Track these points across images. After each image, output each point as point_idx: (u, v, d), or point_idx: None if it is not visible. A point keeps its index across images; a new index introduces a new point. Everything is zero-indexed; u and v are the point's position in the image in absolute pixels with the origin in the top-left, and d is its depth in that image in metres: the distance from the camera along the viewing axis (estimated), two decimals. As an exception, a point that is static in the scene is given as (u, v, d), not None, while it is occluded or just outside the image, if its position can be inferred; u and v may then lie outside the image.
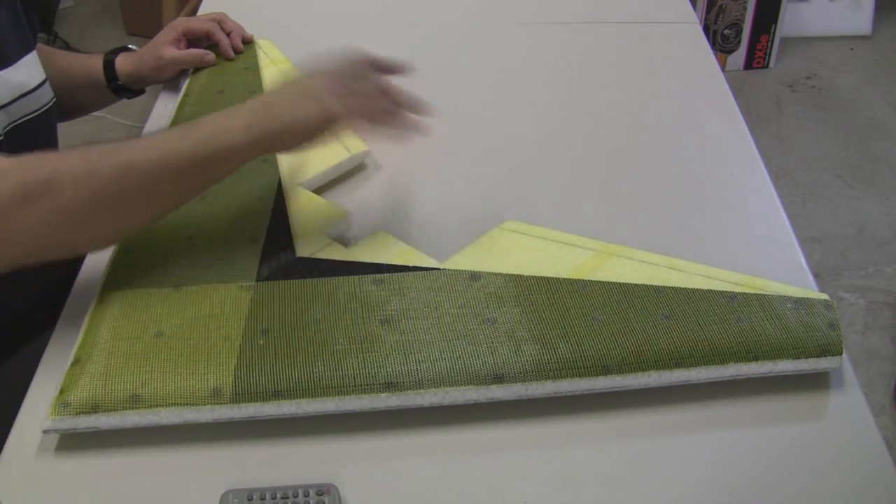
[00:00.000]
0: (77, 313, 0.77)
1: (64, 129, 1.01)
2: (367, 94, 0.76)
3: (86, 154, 0.68)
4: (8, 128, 0.86)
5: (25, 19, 0.91)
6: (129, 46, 1.09)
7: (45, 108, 0.91)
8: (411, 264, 0.77)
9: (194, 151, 0.70)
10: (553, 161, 0.96)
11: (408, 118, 0.78)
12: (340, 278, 0.75)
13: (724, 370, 0.68)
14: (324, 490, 0.61)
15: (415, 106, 0.79)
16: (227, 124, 0.71)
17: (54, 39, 2.68)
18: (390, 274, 0.76)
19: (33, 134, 0.90)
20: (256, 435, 0.67)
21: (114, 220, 0.70)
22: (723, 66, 2.59)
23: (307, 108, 0.72)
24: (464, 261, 0.77)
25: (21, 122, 0.88)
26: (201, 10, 1.29)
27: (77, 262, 0.97)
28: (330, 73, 0.75)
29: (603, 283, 0.74)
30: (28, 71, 0.88)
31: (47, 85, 0.92)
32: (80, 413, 0.65)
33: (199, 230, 0.81)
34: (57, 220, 0.66)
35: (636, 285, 0.74)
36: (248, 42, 1.15)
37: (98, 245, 0.74)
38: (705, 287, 0.74)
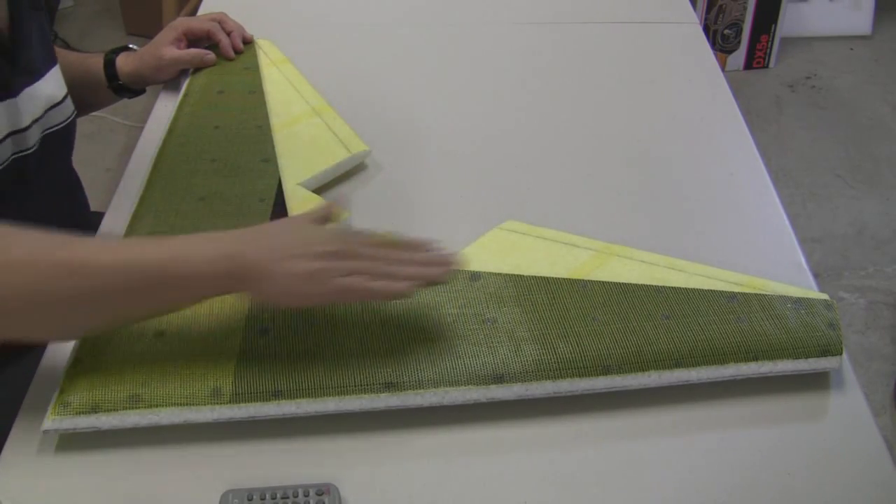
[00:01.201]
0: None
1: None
2: (354, 270, 0.65)
3: (40, 240, 0.62)
4: (38, 140, 0.87)
5: (48, 34, 0.91)
6: (130, 46, 1.09)
7: (69, 120, 0.92)
8: (411, 264, 0.77)
9: (147, 271, 0.62)
10: (553, 161, 0.96)
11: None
12: (340, 278, 0.75)
13: (724, 370, 0.68)
14: (324, 490, 0.61)
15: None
16: (193, 252, 0.63)
17: (54, 39, 2.68)
18: (390, 274, 0.75)
19: (58, 144, 0.90)
20: (256, 435, 0.67)
21: (46, 317, 0.62)
22: (723, 66, 2.59)
23: (291, 267, 0.63)
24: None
25: (47, 134, 0.88)
26: (201, 10, 1.29)
27: None
28: (327, 237, 0.66)
29: (603, 283, 0.74)
30: (55, 83, 0.89)
31: (68, 100, 0.92)
32: (80, 413, 0.65)
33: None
34: None
35: (636, 285, 0.74)
36: (248, 42, 1.15)
37: (22, 338, 0.63)
38: (705, 287, 0.74)
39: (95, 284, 0.61)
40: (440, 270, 0.67)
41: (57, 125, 0.90)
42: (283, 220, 0.69)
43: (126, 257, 0.62)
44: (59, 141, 0.91)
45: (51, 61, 0.89)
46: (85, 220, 1.01)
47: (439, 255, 0.69)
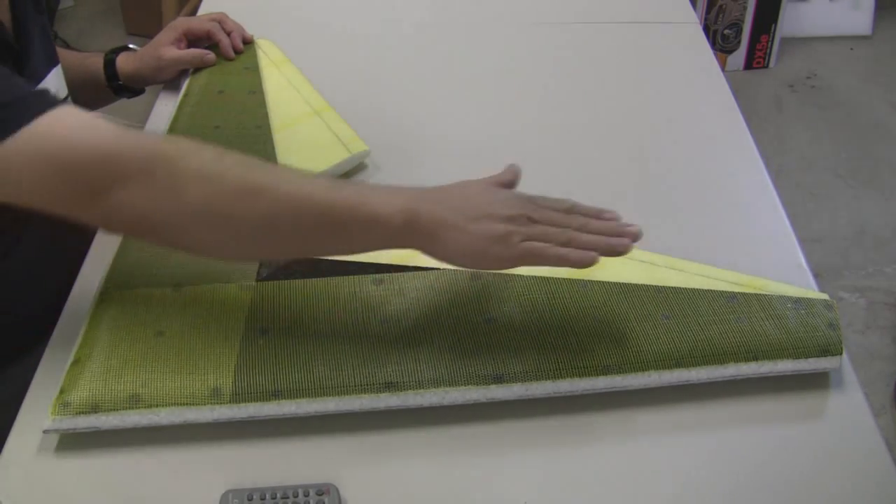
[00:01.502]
0: (77, 313, 0.77)
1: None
2: (535, 236, 0.65)
3: (222, 156, 0.64)
4: None
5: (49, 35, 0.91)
6: (130, 46, 1.09)
7: None
8: (411, 264, 0.77)
9: (334, 208, 0.62)
10: (553, 161, 0.96)
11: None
12: (340, 278, 0.75)
13: (723, 370, 0.68)
14: (324, 490, 0.61)
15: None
16: (382, 200, 0.63)
17: (54, 39, 2.68)
18: (390, 274, 0.76)
19: None
20: (256, 435, 0.67)
21: (215, 233, 0.64)
22: (723, 66, 2.59)
23: (474, 229, 0.63)
24: (464, 261, 0.77)
25: None
26: (201, 10, 1.29)
27: (78, 267, 0.97)
28: (513, 202, 0.66)
29: (603, 283, 0.74)
30: (57, 84, 0.89)
31: (69, 101, 0.92)
32: (80, 413, 0.65)
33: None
34: (163, 208, 0.62)
35: (636, 285, 0.74)
36: (248, 42, 1.15)
37: (190, 250, 0.66)
38: (705, 287, 0.74)
39: (274, 212, 0.62)
40: (623, 241, 0.65)
41: None
42: (465, 182, 0.68)
43: (311, 191, 0.62)
44: None
45: (52, 62, 0.89)
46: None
47: (621, 225, 0.67)
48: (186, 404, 0.66)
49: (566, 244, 0.64)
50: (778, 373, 0.69)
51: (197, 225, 0.63)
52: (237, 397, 0.66)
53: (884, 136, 2.32)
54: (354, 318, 0.71)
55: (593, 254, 0.64)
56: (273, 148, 0.93)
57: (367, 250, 0.67)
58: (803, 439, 0.67)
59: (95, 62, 1.06)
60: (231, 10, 1.16)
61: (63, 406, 0.65)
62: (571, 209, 0.68)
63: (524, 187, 0.91)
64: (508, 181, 0.70)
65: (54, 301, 0.93)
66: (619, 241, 0.65)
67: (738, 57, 2.59)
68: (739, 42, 2.56)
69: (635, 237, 0.65)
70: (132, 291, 0.74)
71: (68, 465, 0.65)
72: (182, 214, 0.62)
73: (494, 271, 0.75)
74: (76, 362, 0.69)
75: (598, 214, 0.68)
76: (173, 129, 0.97)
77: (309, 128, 0.97)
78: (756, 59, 2.60)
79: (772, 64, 2.61)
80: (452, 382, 0.67)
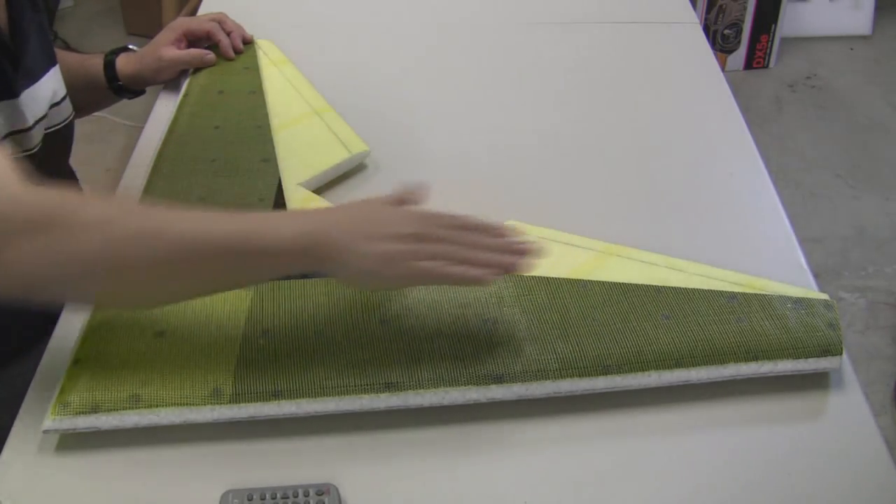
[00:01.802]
0: (77, 313, 0.77)
1: (64, 129, 1.01)
2: (435, 255, 0.64)
3: (113, 205, 0.63)
4: (41, 140, 0.87)
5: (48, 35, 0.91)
6: (130, 47, 1.09)
7: (68, 120, 0.92)
8: (411, 264, 0.77)
9: (229, 239, 0.61)
10: (553, 161, 0.96)
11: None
12: (340, 278, 0.75)
13: (723, 370, 0.68)
14: (324, 490, 0.61)
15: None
16: (274, 227, 0.62)
17: (54, 39, 2.67)
18: (390, 274, 0.75)
19: (57, 144, 0.90)
20: (256, 435, 0.67)
21: (115, 282, 0.62)
22: (723, 66, 2.59)
23: (372, 249, 0.62)
24: (464, 261, 0.77)
25: (48, 134, 0.88)
26: (201, 11, 1.29)
27: None
28: (412, 219, 0.65)
29: (603, 283, 0.74)
30: (55, 83, 0.89)
31: (67, 101, 0.92)
32: (80, 413, 0.65)
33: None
34: (59, 261, 0.59)
35: (636, 285, 0.74)
36: (248, 42, 1.15)
37: (85, 302, 0.66)
38: (705, 287, 0.74)
39: (172, 252, 0.60)
40: (519, 260, 0.65)
41: (57, 125, 0.90)
42: (364, 202, 0.68)
43: (207, 228, 0.61)
44: (60, 140, 0.91)
45: (50, 62, 0.89)
46: None
47: (518, 243, 0.66)
48: (186, 404, 0.66)
49: (462, 262, 0.63)
50: (778, 373, 0.69)
51: (95, 275, 0.61)
52: (237, 397, 0.66)
53: (884, 136, 2.32)
54: (354, 318, 0.71)
55: (484, 272, 0.63)
56: (273, 148, 0.93)
57: (270, 278, 0.67)
58: (803, 439, 0.67)
59: (95, 63, 1.06)
60: (231, 10, 1.16)
61: (63, 406, 0.65)
62: (468, 226, 0.67)
63: (524, 187, 0.92)
64: (402, 199, 0.68)
65: (56, 307, 0.93)
66: (513, 259, 0.65)
67: (738, 57, 2.59)
68: (739, 42, 2.56)
69: (533, 255, 0.65)
70: (132, 291, 0.74)
71: (68, 465, 0.65)
72: (79, 265, 0.60)
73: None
74: (76, 362, 0.69)
75: (497, 231, 0.67)
76: (173, 129, 0.97)
77: (309, 128, 0.97)
78: (756, 59, 2.60)
79: (772, 64, 2.61)
80: (452, 382, 0.67)
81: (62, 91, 0.90)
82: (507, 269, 0.65)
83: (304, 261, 0.63)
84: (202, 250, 0.61)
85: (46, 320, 0.92)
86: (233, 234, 0.61)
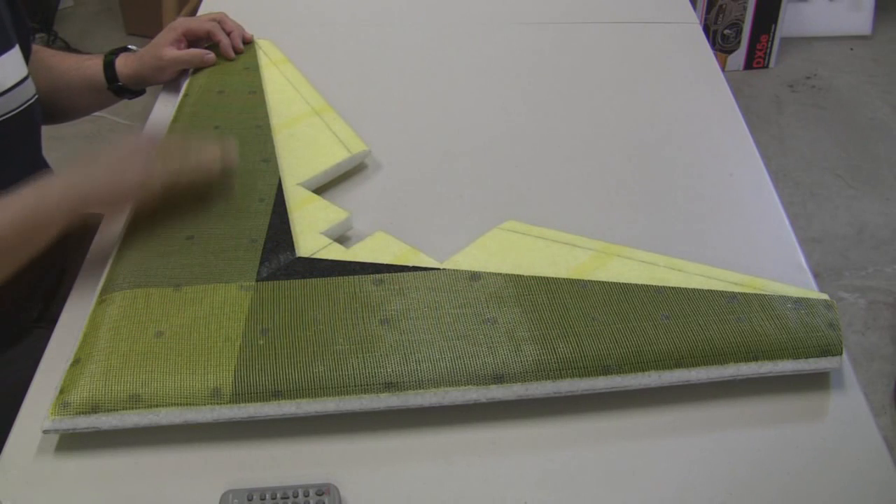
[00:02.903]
0: (77, 313, 0.77)
1: (65, 130, 1.01)
2: (174, 157, 0.81)
3: None
4: None
5: (10, 16, 0.90)
6: (129, 47, 1.09)
7: (26, 105, 0.90)
8: (411, 264, 0.77)
9: (13, 224, 0.73)
10: (553, 161, 0.96)
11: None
12: (340, 278, 0.75)
13: (724, 370, 0.68)
14: (324, 490, 0.61)
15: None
16: (40, 200, 0.75)
17: (54, 39, 2.68)
18: (390, 274, 0.76)
19: (14, 132, 0.89)
20: (256, 435, 0.67)
21: None
22: (723, 66, 2.59)
23: (122, 176, 0.78)
24: (464, 261, 0.77)
25: (4, 121, 0.87)
26: (201, 10, 1.29)
27: (64, 257, 0.97)
28: (138, 141, 0.83)
29: (603, 283, 0.74)
30: (4, 70, 0.88)
31: (28, 82, 0.91)
32: (80, 413, 0.65)
33: (199, 230, 0.81)
34: None
35: (636, 285, 0.74)
36: (248, 42, 1.15)
37: None
38: (705, 287, 0.74)
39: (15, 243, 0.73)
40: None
41: (10, 112, 0.88)
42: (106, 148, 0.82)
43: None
44: (15, 127, 0.89)
45: (6, 46, 0.87)
46: None
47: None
48: (186, 404, 0.66)
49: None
50: (778, 373, 0.69)
51: None
52: (237, 397, 0.66)
53: (884, 136, 2.32)
54: (354, 318, 0.71)
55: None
56: (273, 148, 0.93)
57: (51, 241, 0.77)
58: (803, 439, 0.67)
59: (95, 64, 1.06)
60: (231, 10, 1.16)
61: (63, 406, 0.65)
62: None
63: (524, 187, 0.92)
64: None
65: (45, 297, 0.93)
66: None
67: (738, 57, 2.59)
68: (739, 42, 2.56)
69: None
70: (132, 291, 0.74)
71: (68, 465, 0.65)
72: None
73: (492, 271, 0.75)
74: (76, 362, 0.69)
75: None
76: (173, 129, 0.97)
77: (309, 128, 0.97)
78: (756, 59, 2.60)
79: (772, 64, 2.61)
80: (452, 382, 0.67)
81: (13, 79, 0.88)
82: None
83: (78, 217, 0.77)
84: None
85: (40, 316, 0.92)
86: (13, 219, 0.73)
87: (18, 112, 0.89)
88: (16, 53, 0.89)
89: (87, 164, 0.79)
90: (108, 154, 0.80)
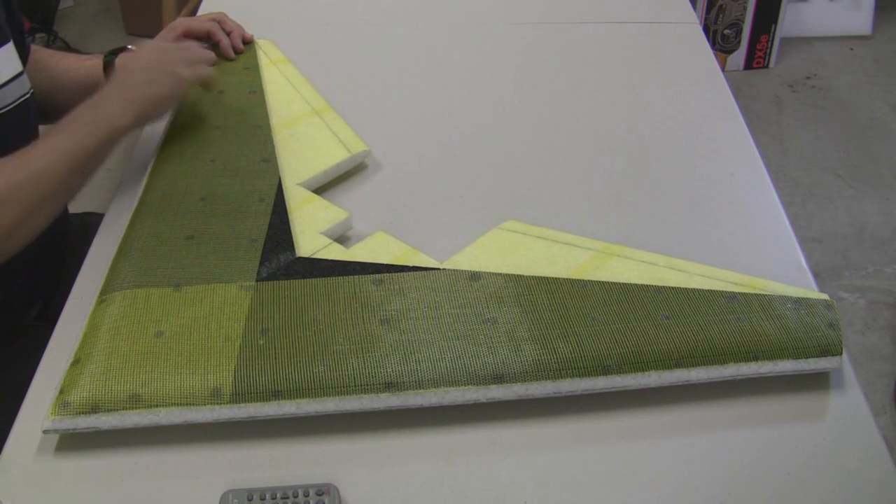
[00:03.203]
0: (77, 313, 0.77)
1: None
2: (193, 58, 0.94)
3: (2, 174, 0.75)
4: None
5: (4, 12, 0.90)
6: (129, 46, 1.09)
7: (21, 100, 0.90)
8: (411, 264, 0.77)
9: (86, 146, 0.80)
10: (553, 161, 0.96)
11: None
12: (340, 278, 0.75)
13: (724, 370, 0.68)
14: (324, 490, 0.61)
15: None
16: (104, 114, 0.83)
17: (54, 39, 2.68)
18: (390, 274, 0.76)
19: (9, 127, 0.89)
20: (256, 435, 0.67)
21: (38, 221, 0.78)
22: (723, 66, 2.59)
23: (162, 81, 0.88)
24: (464, 261, 0.77)
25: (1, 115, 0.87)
26: (201, 10, 1.29)
27: (63, 255, 0.97)
28: (161, 49, 0.97)
29: (603, 283, 0.74)
30: (4, 62, 0.87)
31: (23, 78, 0.91)
32: (80, 413, 0.65)
33: (199, 230, 0.81)
34: None
35: (636, 285, 0.74)
36: (248, 42, 1.15)
37: (24, 245, 0.78)
38: (705, 287, 0.74)
39: (57, 183, 0.78)
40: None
41: (6, 107, 0.88)
42: (141, 53, 0.97)
43: (67, 148, 0.79)
44: (10, 122, 0.89)
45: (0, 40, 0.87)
46: (61, 217, 1.00)
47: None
48: (186, 404, 0.66)
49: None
50: (778, 373, 0.69)
51: (19, 228, 0.76)
52: (237, 397, 0.66)
53: (884, 136, 2.32)
54: (354, 318, 0.71)
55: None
56: (273, 148, 0.93)
57: (114, 148, 0.85)
58: (803, 439, 0.67)
59: (94, 64, 1.06)
60: (231, 10, 1.16)
61: (63, 406, 0.65)
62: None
63: (524, 187, 0.92)
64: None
65: (44, 294, 0.93)
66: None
67: (738, 57, 2.59)
68: (739, 42, 2.56)
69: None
70: (132, 291, 0.74)
71: (68, 465, 0.65)
72: (6, 229, 0.74)
73: (492, 271, 0.75)
74: (76, 362, 0.69)
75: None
76: (173, 129, 0.97)
77: (309, 128, 0.97)
78: (756, 59, 2.60)
79: (772, 64, 2.61)
80: (452, 382, 0.67)
81: (6, 75, 0.88)
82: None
83: (138, 125, 0.87)
84: (76, 163, 0.79)
85: (39, 315, 0.92)
86: (88, 142, 0.80)
87: (13, 107, 0.89)
88: (10, 49, 0.89)
89: (124, 80, 0.88)
90: (145, 67, 0.90)
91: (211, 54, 0.99)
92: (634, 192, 0.91)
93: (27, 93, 0.92)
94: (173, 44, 1.01)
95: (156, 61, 0.91)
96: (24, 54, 0.93)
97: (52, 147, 0.78)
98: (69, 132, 0.80)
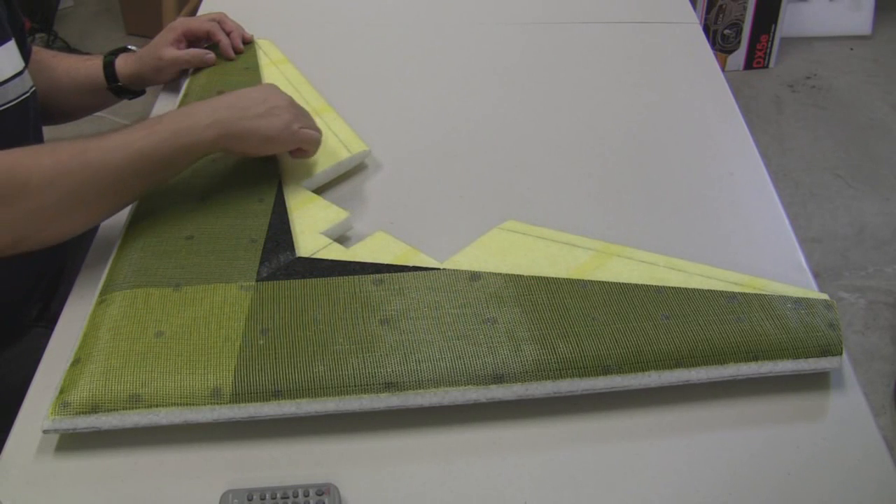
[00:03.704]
0: (77, 313, 0.77)
1: (65, 130, 1.01)
2: (308, 125, 0.86)
3: (56, 154, 0.72)
4: None
5: (6, 11, 0.90)
6: (129, 47, 1.09)
7: (23, 98, 0.90)
8: (411, 264, 0.77)
9: (160, 150, 0.76)
10: (553, 161, 0.96)
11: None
12: (340, 278, 0.75)
13: (724, 370, 0.68)
14: (324, 490, 0.61)
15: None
16: (190, 123, 0.78)
17: (54, 39, 2.68)
18: (390, 274, 0.76)
19: (11, 124, 0.89)
20: (256, 435, 0.67)
21: (83, 215, 0.75)
22: (723, 66, 2.59)
23: (269, 122, 0.81)
24: (464, 261, 0.77)
25: (3, 111, 0.87)
26: (201, 11, 1.29)
27: (63, 255, 0.97)
28: (283, 96, 0.85)
29: (603, 283, 0.74)
30: (6, 60, 0.88)
31: (25, 76, 0.91)
32: (80, 413, 0.65)
33: (199, 230, 0.81)
34: (30, 220, 0.71)
35: (636, 285, 0.74)
36: (248, 42, 1.15)
37: (67, 237, 0.76)
38: (705, 287, 0.74)
39: (119, 178, 0.75)
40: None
41: (5, 104, 0.88)
42: (245, 90, 0.84)
43: (140, 147, 0.75)
44: (11, 119, 0.89)
45: (1, 38, 0.87)
46: None
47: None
48: (186, 404, 0.66)
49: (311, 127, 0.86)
50: (778, 373, 0.69)
51: (63, 218, 0.73)
52: (237, 397, 0.66)
53: (884, 136, 2.32)
54: (354, 318, 0.71)
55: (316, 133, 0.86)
56: (273, 148, 0.93)
57: (190, 165, 0.81)
58: (803, 439, 0.67)
59: (95, 64, 1.06)
60: (231, 10, 1.17)
61: (63, 406, 0.65)
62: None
63: (523, 187, 0.92)
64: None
65: (44, 293, 0.93)
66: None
67: (738, 57, 2.59)
68: (739, 42, 2.56)
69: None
70: (132, 291, 0.74)
71: (68, 465, 0.65)
72: (46, 219, 0.72)
73: (492, 271, 0.75)
74: (76, 362, 0.69)
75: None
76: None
77: (309, 128, 0.97)
78: (756, 59, 2.60)
79: (772, 64, 2.61)
80: (452, 382, 0.67)
81: (8, 72, 0.88)
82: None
83: (219, 145, 0.80)
84: (141, 165, 0.75)
85: (39, 315, 0.92)
86: (161, 144, 0.76)
87: (14, 105, 0.89)
88: (11, 46, 0.89)
89: (233, 101, 0.81)
90: (255, 96, 0.83)
91: (317, 134, 0.87)
92: (634, 192, 0.91)
93: (28, 91, 0.92)
94: (295, 102, 0.88)
95: (276, 104, 0.83)
96: (25, 53, 0.93)
97: (120, 142, 0.75)
98: (147, 131, 0.76)
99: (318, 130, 0.87)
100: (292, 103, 0.85)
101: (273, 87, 0.86)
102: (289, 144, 0.84)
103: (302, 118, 0.85)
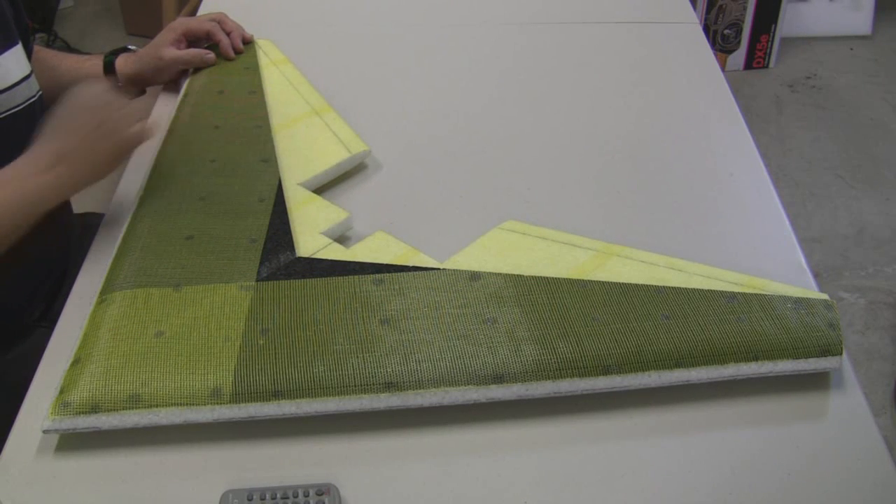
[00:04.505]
0: (77, 313, 0.77)
1: (64, 130, 1.01)
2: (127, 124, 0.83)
3: None
4: None
5: (12, 13, 0.90)
6: (129, 47, 1.09)
7: (29, 102, 0.90)
8: (411, 264, 0.77)
9: (14, 219, 0.76)
10: (553, 161, 0.96)
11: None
12: (340, 278, 0.75)
13: (723, 370, 0.68)
14: (324, 490, 0.61)
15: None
16: (35, 189, 0.77)
17: (54, 39, 2.68)
18: (390, 274, 0.76)
19: (18, 129, 0.89)
20: (256, 435, 0.67)
21: None
22: (723, 66, 2.59)
23: (103, 151, 0.81)
24: (464, 261, 0.77)
25: (4, 117, 0.87)
26: (201, 11, 1.29)
27: (67, 257, 0.97)
28: (92, 112, 0.82)
29: (603, 283, 0.74)
30: (8, 67, 0.88)
31: (32, 79, 0.91)
32: (80, 413, 0.65)
33: (199, 230, 0.81)
34: None
35: (636, 285, 0.74)
36: (248, 42, 1.15)
37: None
38: (705, 287, 0.74)
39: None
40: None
41: (13, 108, 0.88)
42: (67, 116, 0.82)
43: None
44: (19, 123, 0.89)
45: (9, 42, 0.87)
46: (64, 216, 1.00)
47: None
48: (186, 404, 0.66)
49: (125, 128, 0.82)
50: (778, 373, 0.69)
51: None
52: (237, 397, 0.66)
53: (884, 136, 2.32)
54: (354, 318, 0.71)
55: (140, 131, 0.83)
56: (273, 148, 0.93)
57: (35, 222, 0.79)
58: (803, 439, 0.67)
59: (94, 64, 1.06)
60: (231, 10, 1.16)
61: (63, 406, 0.65)
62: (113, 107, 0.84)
63: (524, 187, 0.92)
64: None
65: (46, 297, 0.93)
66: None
67: (738, 57, 2.59)
68: (739, 42, 2.56)
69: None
70: (132, 291, 0.74)
71: (68, 465, 0.65)
72: None
73: (492, 271, 0.75)
74: (76, 362, 0.69)
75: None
76: (173, 129, 0.97)
77: (309, 128, 0.97)
78: (756, 59, 2.60)
79: (772, 64, 2.61)
80: (452, 382, 0.67)
81: (17, 76, 0.88)
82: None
83: (71, 194, 0.81)
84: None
85: (41, 316, 0.92)
86: (15, 211, 0.75)
87: (21, 109, 0.89)
88: (19, 50, 0.89)
89: (64, 147, 0.79)
90: (76, 132, 0.80)
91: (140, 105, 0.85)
92: (634, 192, 0.91)
93: (35, 94, 0.92)
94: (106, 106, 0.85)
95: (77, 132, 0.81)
96: (28, 54, 0.93)
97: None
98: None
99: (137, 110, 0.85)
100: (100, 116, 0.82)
101: (85, 110, 0.83)
102: (113, 161, 0.83)
103: (106, 123, 0.81)
